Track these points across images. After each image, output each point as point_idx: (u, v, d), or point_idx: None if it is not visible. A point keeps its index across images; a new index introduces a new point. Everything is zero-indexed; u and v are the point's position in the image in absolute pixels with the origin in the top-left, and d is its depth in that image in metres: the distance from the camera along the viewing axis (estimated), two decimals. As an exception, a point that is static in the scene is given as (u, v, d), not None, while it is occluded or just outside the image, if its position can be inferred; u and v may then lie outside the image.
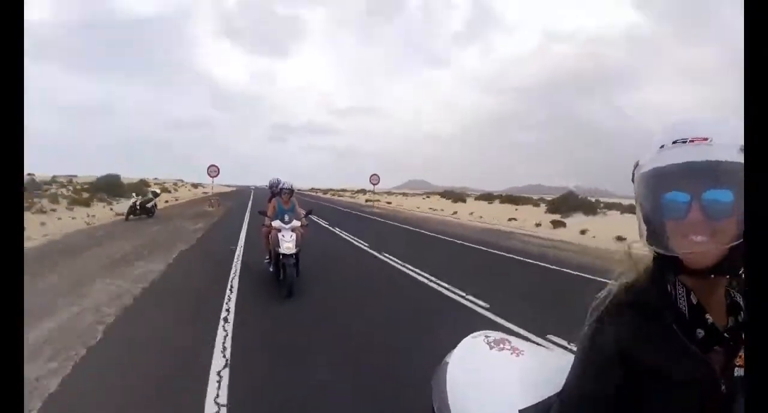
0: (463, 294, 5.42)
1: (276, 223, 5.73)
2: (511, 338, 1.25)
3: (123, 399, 2.68)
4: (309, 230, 6.48)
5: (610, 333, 0.69)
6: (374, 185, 29.27)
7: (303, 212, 6.17)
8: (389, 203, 38.01)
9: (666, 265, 0.65)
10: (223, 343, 3.58)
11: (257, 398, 2.73)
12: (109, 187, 23.53)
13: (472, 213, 23.95)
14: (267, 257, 6.43)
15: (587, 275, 6.72)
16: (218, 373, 3.02)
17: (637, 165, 0.68)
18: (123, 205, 17.20)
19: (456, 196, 35.32)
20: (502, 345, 1.19)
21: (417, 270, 6.90)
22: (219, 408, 2.56)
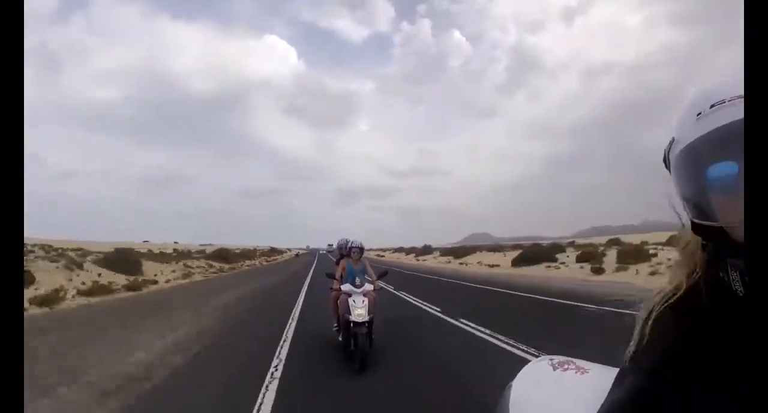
0: None
1: (346, 287, 5.11)
2: (577, 360, 1.25)
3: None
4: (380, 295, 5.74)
5: (659, 340, 0.60)
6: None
7: (374, 274, 5.53)
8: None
9: (717, 250, 0.57)
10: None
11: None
12: (273, 251, 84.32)
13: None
14: (335, 324, 5.76)
15: None
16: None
17: (672, 143, 0.59)
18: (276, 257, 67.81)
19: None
20: (566, 366, 1.19)
21: None
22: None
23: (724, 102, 0.53)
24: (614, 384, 0.66)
